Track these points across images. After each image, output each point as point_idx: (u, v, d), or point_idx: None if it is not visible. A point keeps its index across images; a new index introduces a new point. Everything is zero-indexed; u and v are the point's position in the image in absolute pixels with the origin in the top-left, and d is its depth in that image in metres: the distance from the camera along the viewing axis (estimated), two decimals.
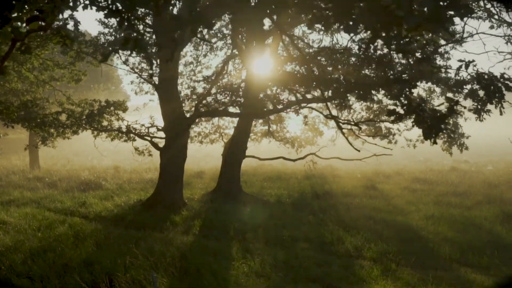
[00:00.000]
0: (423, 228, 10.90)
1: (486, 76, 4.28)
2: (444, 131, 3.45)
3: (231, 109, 15.96)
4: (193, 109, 15.10)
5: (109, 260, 7.50)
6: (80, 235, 9.86)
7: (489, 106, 5.94)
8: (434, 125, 3.38)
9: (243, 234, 10.30)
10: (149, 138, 13.90)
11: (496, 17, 14.27)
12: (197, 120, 20.49)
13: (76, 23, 4.69)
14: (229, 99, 14.31)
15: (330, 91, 10.47)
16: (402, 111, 3.65)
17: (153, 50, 12.61)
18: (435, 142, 3.61)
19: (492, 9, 14.30)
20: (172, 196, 13.30)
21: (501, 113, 5.59)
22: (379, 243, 9.39)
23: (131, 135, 14.18)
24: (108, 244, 8.99)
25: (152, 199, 13.53)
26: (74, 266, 7.48)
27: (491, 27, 13.15)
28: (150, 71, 14.35)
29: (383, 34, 2.76)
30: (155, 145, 13.83)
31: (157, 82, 14.09)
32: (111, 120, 14.46)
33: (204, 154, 32.79)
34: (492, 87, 4.03)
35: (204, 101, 13.57)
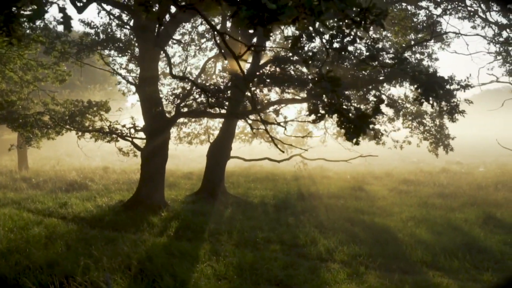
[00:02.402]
0: (400, 230, 10.75)
1: (423, 76, 4.17)
2: (368, 131, 3.34)
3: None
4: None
5: (71, 262, 7.42)
6: (53, 236, 9.81)
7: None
8: (358, 125, 3.30)
9: (217, 235, 10.20)
10: (130, 139, 13.82)
11: (482, 16, 14.14)
12: (186, 121, 20.45)
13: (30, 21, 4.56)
14: (213, 99, 14.20)
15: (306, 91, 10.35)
16: (323, 111, 3.56)
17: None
18: (357, 143, 3.52)
19: (478, 9, 14.18)
20: (152, 197, 13.21)
21: (440, 113, 5.46)
22: (352, 246, 9.26)
23: (113, 135, 14.11)
24: (77, 246, 8.92)
25: (133, 200, 13.45)
26: (36, 267, 7.41)
27: (473, 27, 13.03)
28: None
29: (270, 32, 2.67)
30: (136, 146, 13.76)
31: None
32: (94, 121, 14.40)
33: (197, 155, 32.67)
34: (426, 86, 3.92)
35: (185, 101, 13.47)
